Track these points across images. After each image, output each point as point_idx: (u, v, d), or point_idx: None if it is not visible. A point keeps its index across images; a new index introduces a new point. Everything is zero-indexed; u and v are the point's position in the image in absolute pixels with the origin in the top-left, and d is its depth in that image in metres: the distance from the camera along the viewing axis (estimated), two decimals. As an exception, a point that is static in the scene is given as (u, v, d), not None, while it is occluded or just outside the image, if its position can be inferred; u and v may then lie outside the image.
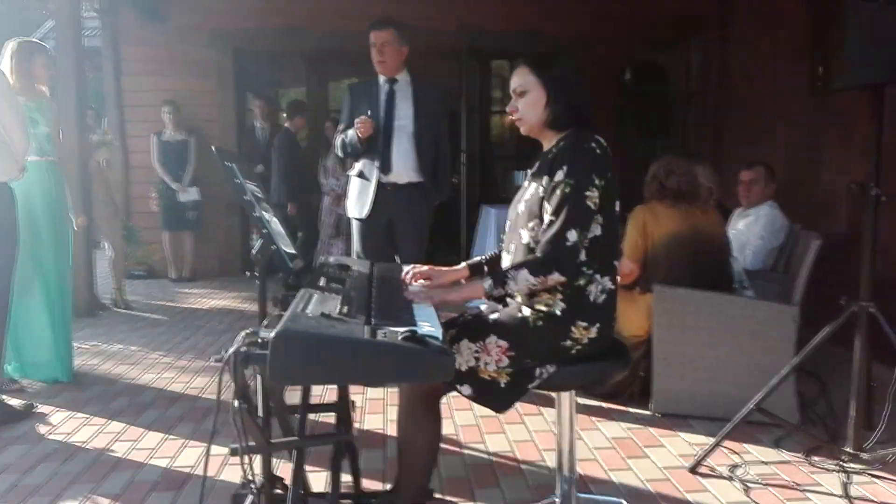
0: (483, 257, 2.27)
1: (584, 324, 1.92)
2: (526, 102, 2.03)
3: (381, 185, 3.64)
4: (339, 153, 3.81)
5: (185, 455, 2.81)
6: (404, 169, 3.62)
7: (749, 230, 4.02)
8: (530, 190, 2.02)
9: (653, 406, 3.22)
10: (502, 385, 1.92)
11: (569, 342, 1.92)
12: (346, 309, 1.64)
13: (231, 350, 1.52)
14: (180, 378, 3.80)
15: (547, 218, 1.91)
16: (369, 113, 3.59)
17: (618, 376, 2.03)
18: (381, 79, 3.70)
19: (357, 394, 3.34)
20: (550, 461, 2.72)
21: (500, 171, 7.64)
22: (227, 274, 7.15)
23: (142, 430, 3.06)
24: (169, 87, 6.87)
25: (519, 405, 2.25)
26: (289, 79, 8.10)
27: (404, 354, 1.44)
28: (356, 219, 3.77)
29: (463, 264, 2.23)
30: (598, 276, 1.94)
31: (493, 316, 1.99)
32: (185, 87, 6.93)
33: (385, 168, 3.61)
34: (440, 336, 1.55)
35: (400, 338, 1.47)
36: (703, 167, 3.87)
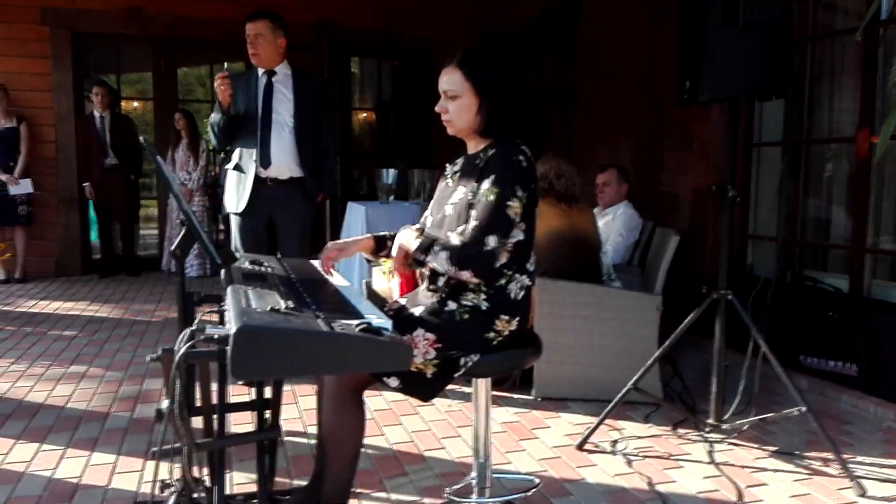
0: (388, 233, 2.26)
1: (507, 317, 2.04)
2: (457, 107, 2.04)
3: (259, 180, 3.56)
4: (213, 141, 3.69)
5: (66, 465, 2.61)
6: (284, 164, 3.58)
7: (608, 228, 4.36)
8: (458, 193, 2.08)
9: (535, 391, 3.44)
10: (429, 376, 1.99)
11: (492, 334, 2.02)
12: (290, 304, 1.63)
13: (181, 349, 1.48)
14: (40, 386, 3.48)
15: (472, 223, 1.99)
16: (244, 105, 3.53)
17: (532, 361, 2.17)
18: (260, 70, 3.63)
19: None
20: (452, 449, 2.83)
21: (359, 170, 7.65)
22: (64, 275, 6.60)
23: (10, 442, 2.80)
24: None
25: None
26: (133, 64, 7.58)
27: (366, 345, 1.48)
28: (234, 213, 3.66)
29: (368, 235, 2.27)
30: (517, 276, 2.07)
31: (417, 310, 2.05)
32: (15, 68, 6.32)
33: (264, 162, 3.54)
34: (390, 328, 1.60)
35: (357, 329, 1.51)
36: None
